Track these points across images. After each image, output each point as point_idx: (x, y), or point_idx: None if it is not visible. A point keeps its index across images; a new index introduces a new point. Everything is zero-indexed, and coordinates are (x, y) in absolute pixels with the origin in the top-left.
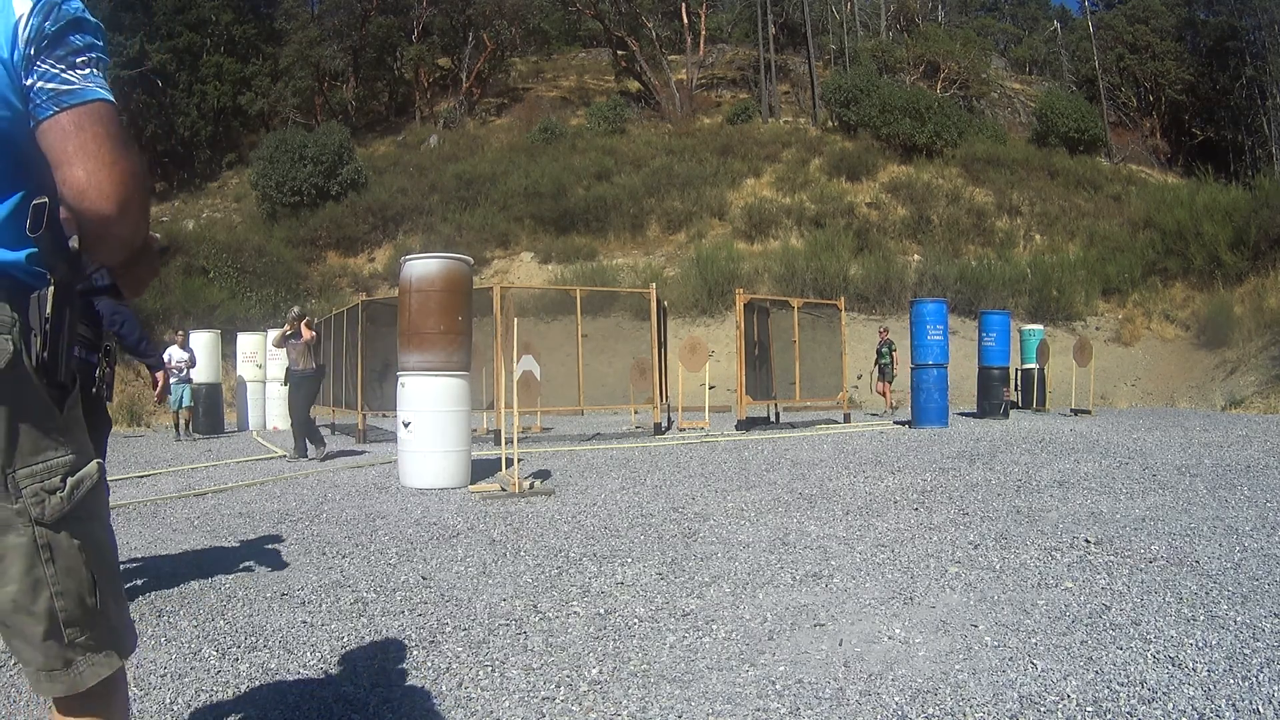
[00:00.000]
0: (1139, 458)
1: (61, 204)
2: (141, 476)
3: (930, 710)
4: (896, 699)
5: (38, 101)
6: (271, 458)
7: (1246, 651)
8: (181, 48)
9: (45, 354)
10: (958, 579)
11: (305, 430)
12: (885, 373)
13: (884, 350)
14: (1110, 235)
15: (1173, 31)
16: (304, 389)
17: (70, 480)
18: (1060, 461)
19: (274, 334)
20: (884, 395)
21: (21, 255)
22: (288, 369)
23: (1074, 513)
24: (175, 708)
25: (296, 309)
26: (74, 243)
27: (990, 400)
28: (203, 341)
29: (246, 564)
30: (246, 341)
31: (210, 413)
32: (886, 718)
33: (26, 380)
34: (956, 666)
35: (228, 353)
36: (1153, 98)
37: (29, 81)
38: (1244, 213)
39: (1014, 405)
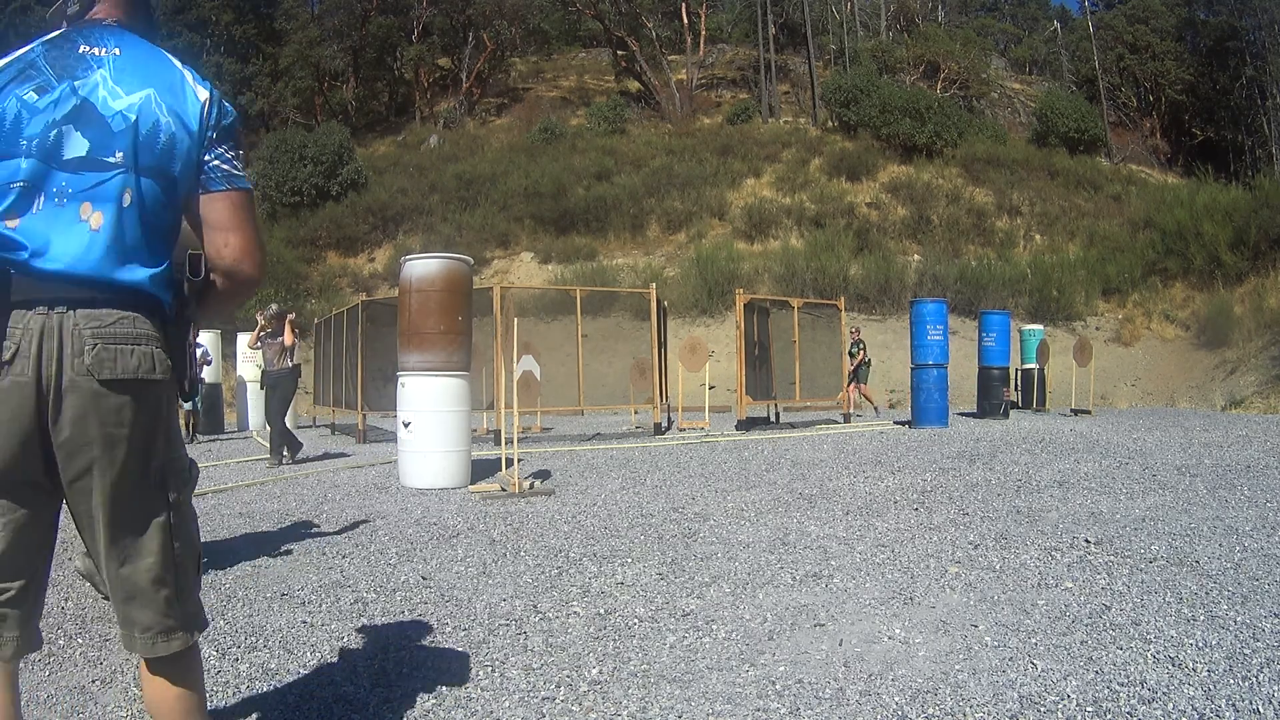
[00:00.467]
0: (1139, 458)
1: (209, 262)
2: None
3: (930, 710)
4: (896, 699)
5: (212, 176)
6: None
7: (1246, 651)
8: (181, 48)
9: (193, 371)
10: (958, 579)
11: (285, 434)
12: (857, 373)
13: (853, 350)
14: (1110, 235)
15: (1173, 31)
16: (281, 389)
17: (193, 471)
18: (1060, 461)
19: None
20: (848, 396)
21: (170, 297)
22: (263, 370)
23: (1074, 513)
24: None
25: (275, 305)
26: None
27: (990, 400)
28: (204, 341)
29: (246, 564)
30: (247, 341)
31: (210, 413)
32: (886, 718)
33: (173, 391)
34: (956, 666)
35: (228, 353)
36: (1153, 98)
37: (206, 158)
38: (1244, 213)
39: (1014, 405)
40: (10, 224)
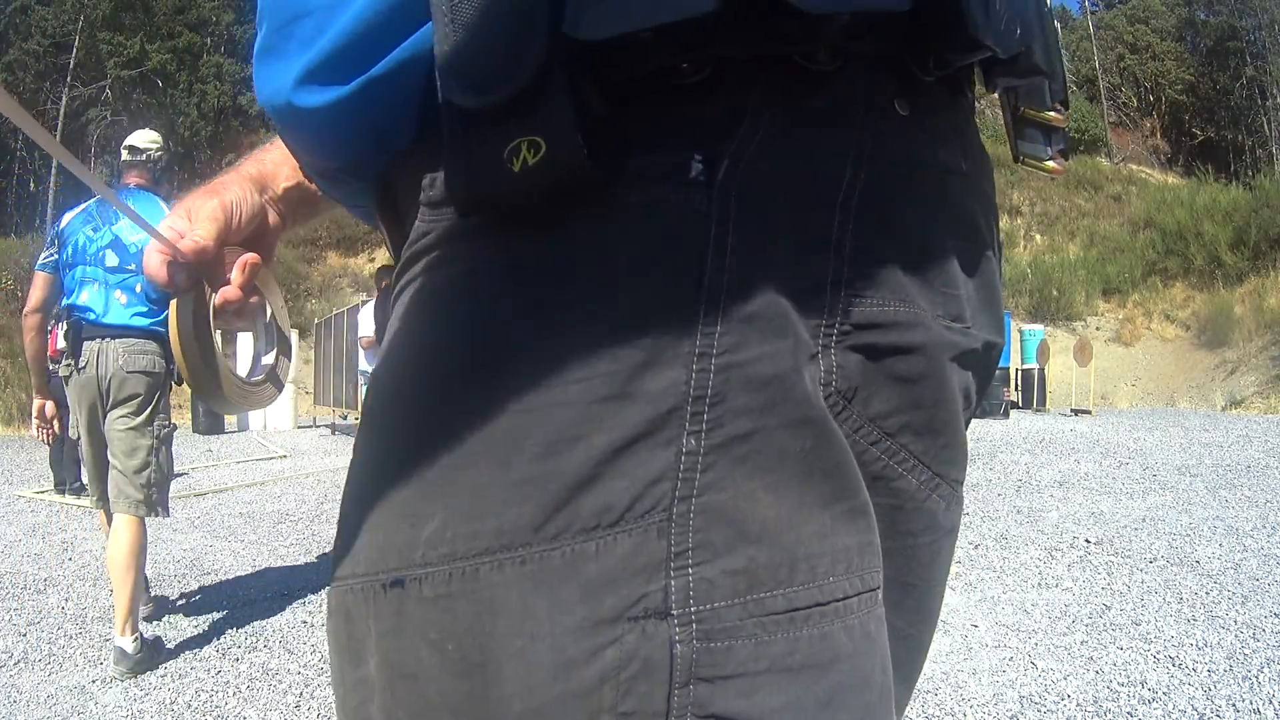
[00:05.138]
0: (1139, 458)
1: None
2: None
3: (930, 710)
4: None
5: None
6: (271, 458)
7: (1247, 651)
8: (181, 48)
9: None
10: (958, 579)
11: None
12: None
13: None
14: (1110, 235)
15: (1173, 31)
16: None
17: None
18: (1060, 461)
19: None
20: None
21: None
22: None
23: (1074, 513)
24: (175, 708)
25: None
26: None
27: (990, 400)
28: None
29: (247, 564)
30: (247, 342)
31: (211, 412)
32: None
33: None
34: (956, 666)
35: (228, 353)
36: (1153, 98)
37: None
38: (1244, 213)
39: (1014, 405)
40: (83, 297)
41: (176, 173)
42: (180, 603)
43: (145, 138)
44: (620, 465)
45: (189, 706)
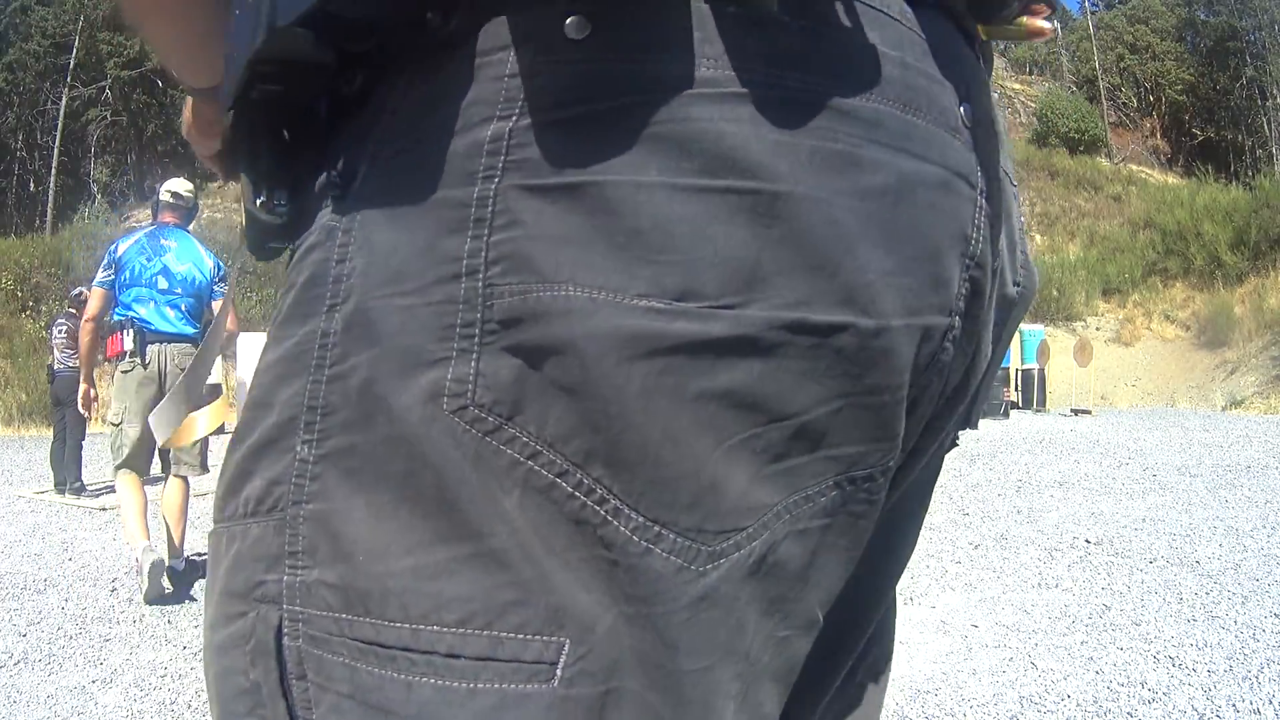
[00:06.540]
0: (1139, 458)
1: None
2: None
3: (930, 710)
4: (896, 699)
5: (215, 294)
6: None
7: (1247, 651)
8: None
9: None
10: (958, 579)
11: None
12: None
13: None
14: (1110, 235)
15: (1173, 32)
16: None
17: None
18: (1060, 461)
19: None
20: None
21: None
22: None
23: (1074, 513)
24: (175, 708)
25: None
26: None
27: (990, 400)
28: None
29: None
30: (248, 342)
31: None
32: (886, 718)
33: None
34: (956, 666)
35: (229, 353)
36: (1153, 98)
37: (214, 288)
38: (1244, 213)
39: (1014, 405)
40: (141, 311)
41: (176, 170)
42: (180, 603)
43: (185, 186)
44: (259, 464)
45: (189, 706)
